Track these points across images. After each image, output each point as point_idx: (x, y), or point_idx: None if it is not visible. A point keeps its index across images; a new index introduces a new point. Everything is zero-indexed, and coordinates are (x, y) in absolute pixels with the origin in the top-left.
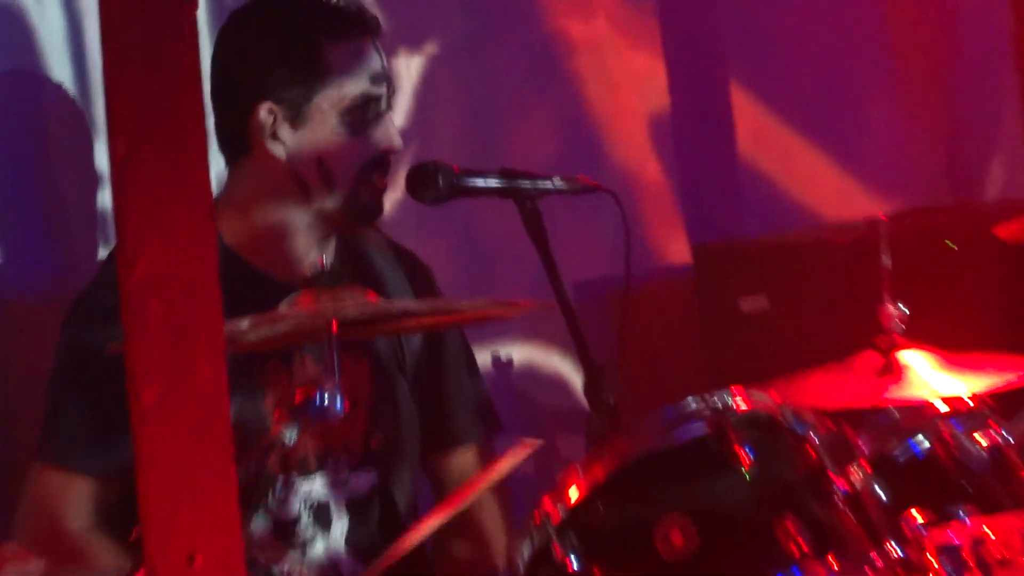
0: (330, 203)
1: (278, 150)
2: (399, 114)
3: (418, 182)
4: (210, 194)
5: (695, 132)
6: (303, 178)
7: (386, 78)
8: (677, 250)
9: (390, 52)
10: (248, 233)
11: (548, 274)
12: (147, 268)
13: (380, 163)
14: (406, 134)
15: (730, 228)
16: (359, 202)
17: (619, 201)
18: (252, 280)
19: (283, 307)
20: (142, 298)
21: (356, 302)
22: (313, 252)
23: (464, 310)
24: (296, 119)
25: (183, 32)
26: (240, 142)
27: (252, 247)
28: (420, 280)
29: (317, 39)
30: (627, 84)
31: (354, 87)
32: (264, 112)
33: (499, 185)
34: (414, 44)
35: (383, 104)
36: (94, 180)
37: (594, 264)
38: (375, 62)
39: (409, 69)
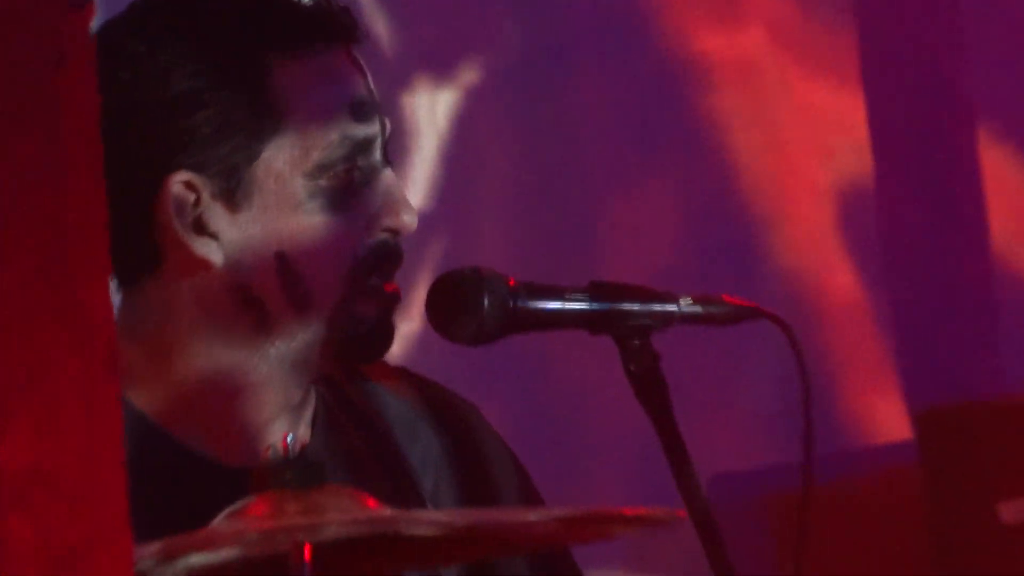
0: (305, 335)
1: (208, 251)
2: (415, 186)
3: (449, 306)
4: (114, 331)
5: (915, 217)
6: (255, 295)
7: (376, 109)
8: (889, 417)
9: (402, 83)
10: (170, 393)
11: (670, 460)
12: (9, 460)
13: (385, 254)
14: (427, 219)
15: (978, 381)
16: (355, 323)
17: (791, 335)
18: (185, 467)
19: (222, 522)
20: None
21: (344, 515)
22: (280, 419)
23: (533, 528)
24: (235, 195)
25: (68, 57)
26: (140, 247)
27: (179, 415)
28: (474, 452)
29: (259, 56)
30: (803, 136)
31: (327, 131)
32: (179, 188)
33: (587, 310)
34: (441, 70)
35: (376, 154)
36: None
37: (748, 442)
38: (356, 85)
39: (433, 111)
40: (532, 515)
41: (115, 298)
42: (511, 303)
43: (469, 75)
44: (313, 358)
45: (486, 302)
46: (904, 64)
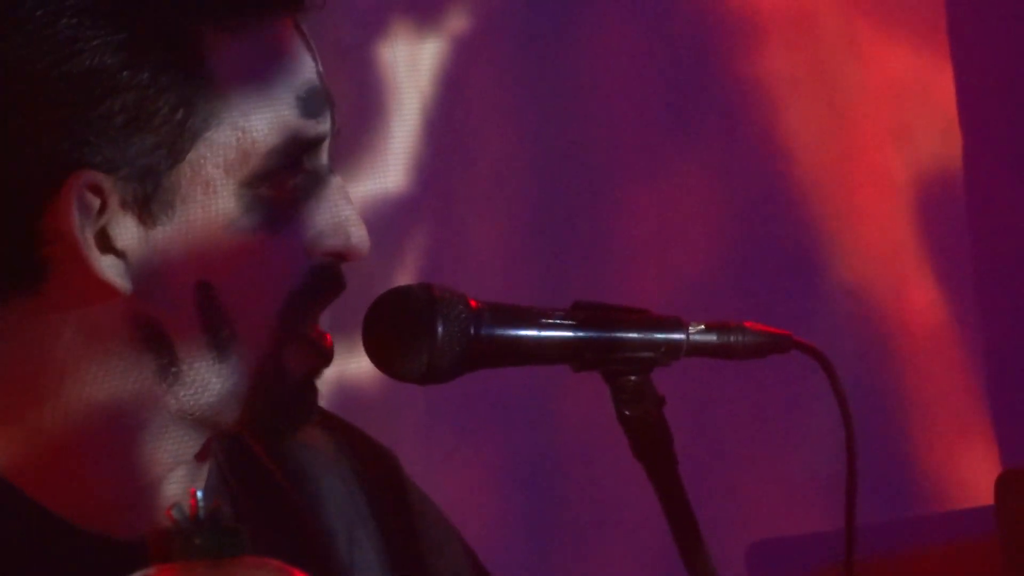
0: (222, 388)
1: (112, 273)
2: (391, 163)
3: (392, 335)
4: None
5: (1016, 215)
6: (163, 333)
7: (328, 100)
8: (971, 477)
9: (376, 29)
10: (33, 445)
11: (674, 532)
12: None
13: (324, 282)
14: (404, 205)
15: None
16: (281, 379)
17: (831, 371)
18: (53, 539)
19: None
20: None
21: None
22: (177, 477)
23: None
24: (150, 205)
25: None
26: (17, 259)
27: (44, 473)
28: (400, 505)
29: (189, 27)
30: (875, 112)
31: (271, 128)
32: (82, 191)
33: (569, 339)
34: (425, 13)
35: (323, 157)
36: None
37: (794, 504)
38: (306, 68)
39: (415, 66)
40: None
41: None
42: (471, 330)
43: (459, 21)
44: (224, 416)
45: (440, 329)
46: (1002, 21)
